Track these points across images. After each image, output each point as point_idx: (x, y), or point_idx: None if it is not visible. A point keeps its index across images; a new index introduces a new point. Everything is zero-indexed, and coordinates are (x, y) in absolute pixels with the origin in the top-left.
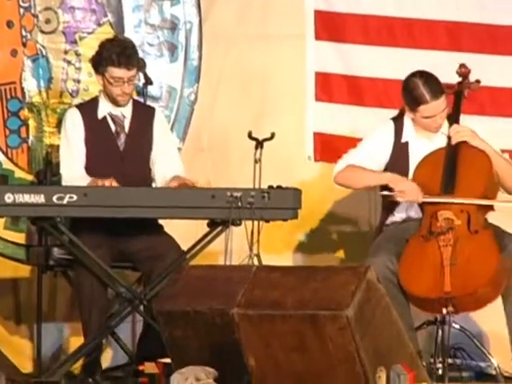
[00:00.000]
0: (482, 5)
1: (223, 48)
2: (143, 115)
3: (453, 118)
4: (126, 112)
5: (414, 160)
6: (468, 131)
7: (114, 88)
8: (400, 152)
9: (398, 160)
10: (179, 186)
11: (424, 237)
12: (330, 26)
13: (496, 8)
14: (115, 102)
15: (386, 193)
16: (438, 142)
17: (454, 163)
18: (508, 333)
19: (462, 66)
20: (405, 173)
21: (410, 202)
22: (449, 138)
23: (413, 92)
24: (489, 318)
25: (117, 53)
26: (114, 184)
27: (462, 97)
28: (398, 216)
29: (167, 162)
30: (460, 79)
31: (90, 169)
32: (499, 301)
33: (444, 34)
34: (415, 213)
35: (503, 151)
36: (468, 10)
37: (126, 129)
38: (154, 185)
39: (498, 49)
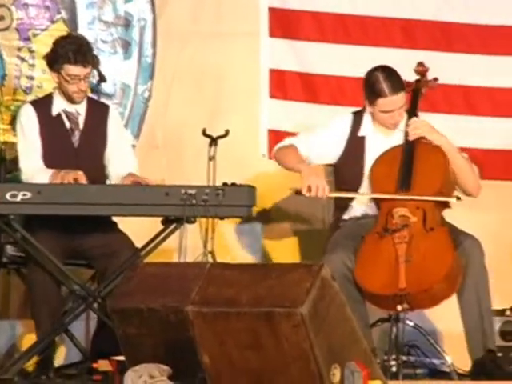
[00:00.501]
0: (436, 2)
1: (177, 45)
2: (97, 112)
3: (410, 116)
4: (81, 109)
5: (371, 154)
6: (425, 125)
7: (70, 85)
8: (356, 145)
9: (354, 153)
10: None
11: (379, 234)
12: (284, 23)
13: (450, 6)
14: (71, 100)
15: (294, 188)
16: (396, 138)
17: (410, 161)
18: (463, 330)
19: (420, 64)
20: (360, 166)
21: (316, 198)
22: (406, 134)
23: (373, 85)
24: (443, 316)
25: (73, 50)
26: (80, 174)
27: (420, 95)
28: (356, 210)
29: (121, 160)
30: (418, 77)
31: (44, 165)
32: (453, 298)
33: (399, 32)
34: (372, 210)
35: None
36: (423, 8)
37: (81, 126)
38: (108, 182)
39: (452, 46)
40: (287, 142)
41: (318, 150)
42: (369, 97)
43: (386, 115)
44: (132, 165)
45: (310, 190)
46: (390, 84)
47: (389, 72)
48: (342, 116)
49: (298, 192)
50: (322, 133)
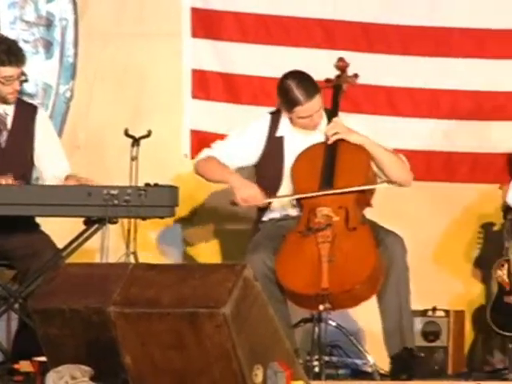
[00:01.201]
0: (357, 3)
1: (99, 45)
2: (25, 113)
3: (332, 113)
4: (9, 110)
5: (290, 155)
6: (343, 129)
7: (5, 87)
8: (275, 146)
9: (273, 154)
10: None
11: (302, 233)
12: (207, 24)
13: (371, 6)
14: (4, 101)
15: (231, 201)
16: (315, 137)
17: (332, 158)
18: (382, 329)
19: (341, 59)
20: (279, 166)
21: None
22: (327, 137)
23: (287, 94)
24: (365, 316)
25: (4, 51)
26: (10, 179)
27: (341, 91)
28: (276, 212)
29: (54, 161)
30: (338, 73)
31: None
32: (375, 298)
33: (319, 32)
34: (294, 211)
35: None
36: (344, 8)
37: (8, 126)
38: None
39: (372, 47)
40: (204, 155)
41: (239, 154)
42: (285, 105)
43: (305, 120)
44: (66, 166)
45: (245, 200)
46: (304, 90)
47: (300, 77)
48: (259, 118)
49: (235, 203)
50: (238, 137)
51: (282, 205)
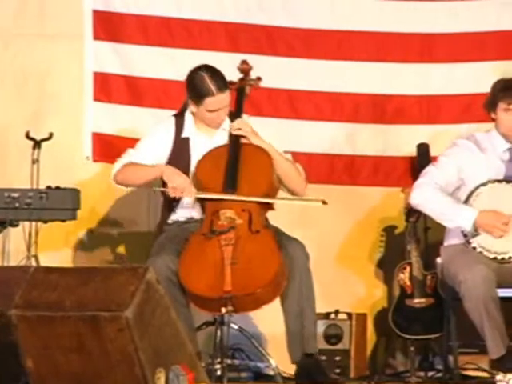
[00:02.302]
0: (259, 6)
1: None
2: None
3: (235, 115)
4: None
5: (196, 155)
6: (248, 128)
7: None
8: (181, 147)
9: (180, 155)
10: None
11: (205, 235)
12: (109, 26)
13: (273, 9)
14: None
15: (157, 188)
16: (219, 137)
17: (236, 161)
18: (286, 333)
19: (244, 62)
20: (186, 168)
21: (184, 197)
22: (230, 134)
23: (199, 85)
24: (268, 319)
25: None
26: None
27: (244, 93)
28: (180, 215)
29: None
30: (241, 76)
31: None
32: (278, 301)
33: (223, 35)
34: (198, 213)
35: None
36: (246, 11)
37: None
38: None
39: (275, 50)
40: (119, 165)
41: (150, 157)
42: (194, 97)
43: (212, 114)
44: None
45: (175, 190)
46: (216, 82)
47: (213, 71)
48: (164, 121)
49: (163, 193)
50: (146, 143)
51: (186, 207)
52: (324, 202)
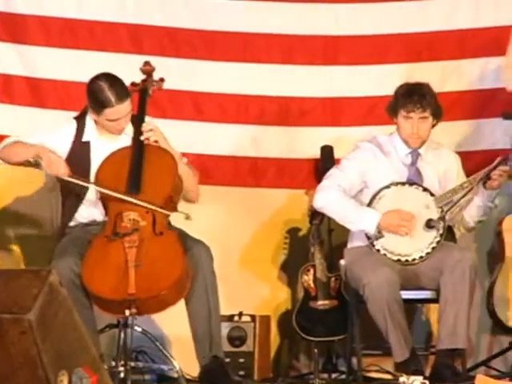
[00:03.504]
0: (162, 7)
1: None
2: None
3: (138, 118)
4: None
5: (96, 160)
6: (159, 133)
7: None
8: (81, 151)
9: (79, 159)
10: None
11: (108, 237)
12: (10, 28)
13: (176, 11)
14: None
15: (33, 160)
16: (122, 142)
17: (140, 163)
18: (192, 335)
19: (147, 63)
20: (86, 172)
21: (55, 176)
22: (135, 136)
23: (98, 95)
24: (171, 321)
25: None
26: None
27: (147, 95)
28: (83, 216)
29: None
30: (144, 77)
31: None
32: (182, 303)
33: (126, 37)
34: (101, 216)
35: (183, 155)
36: (149, 13)
37: None
38: None
39: (179, 52)
40: (11, 140)
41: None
42: (94, 107)
43: (113, 123)
44: None
45: (50, 164)
46: (115, 93)
47: (112, 80)
48: (65, 124)
49: (36, 165)
50: (45, 135)
51: (89, 208)
52: (188, 218)
